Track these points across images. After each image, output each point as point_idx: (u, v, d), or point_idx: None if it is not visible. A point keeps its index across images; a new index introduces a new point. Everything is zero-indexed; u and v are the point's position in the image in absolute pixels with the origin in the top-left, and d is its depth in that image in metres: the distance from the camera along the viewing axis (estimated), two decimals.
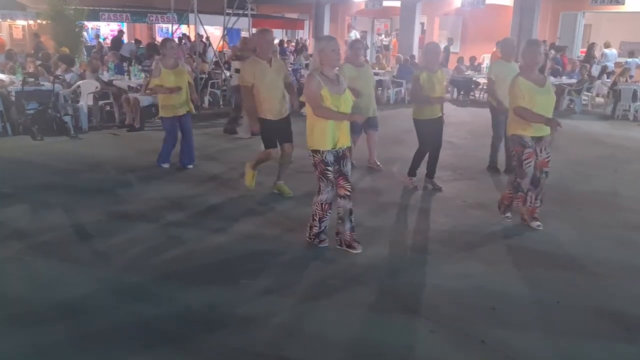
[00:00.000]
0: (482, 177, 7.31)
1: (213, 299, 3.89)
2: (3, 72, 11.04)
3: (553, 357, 3.35)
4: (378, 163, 7.57)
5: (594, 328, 3.67)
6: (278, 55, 10.81)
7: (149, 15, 20.60)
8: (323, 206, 4.64)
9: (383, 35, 25.94)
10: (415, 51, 18.87)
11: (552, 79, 14.25)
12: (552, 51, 16.89)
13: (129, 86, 10.15)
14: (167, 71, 6.77)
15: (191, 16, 13.73)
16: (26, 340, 3.35)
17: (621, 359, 3.38)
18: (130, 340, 3.38)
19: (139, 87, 10.03)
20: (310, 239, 4.80)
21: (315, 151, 4.53)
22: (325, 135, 4.46)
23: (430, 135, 6.38)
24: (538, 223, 5.39)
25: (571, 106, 13.69)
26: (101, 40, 20.48)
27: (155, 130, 9.14)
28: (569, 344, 3.47)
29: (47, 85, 9.54)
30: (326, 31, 23.56)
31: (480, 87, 15.87)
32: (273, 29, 23.16)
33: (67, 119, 9.11)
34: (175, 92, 6.79)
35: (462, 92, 15.17)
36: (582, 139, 10.13)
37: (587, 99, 14.07)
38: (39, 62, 11.35)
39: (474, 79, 15.27)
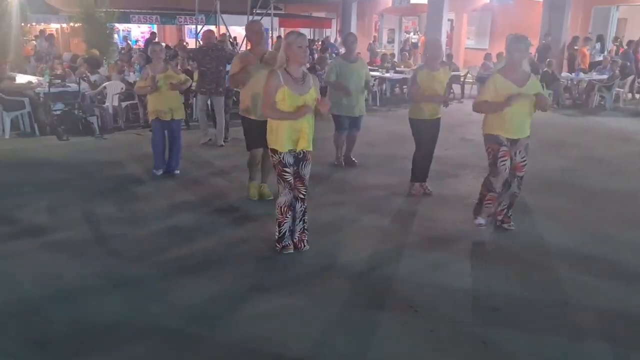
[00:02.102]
0: None
1: (212, 297, 3.94)
2: (34, 74, 11.39)
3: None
4: (353, 159, 7.52)
5: (603, 331, 3.56)
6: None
7: (177, 16, 20.91)
8: (282, 209, 4.48)
9: (412, 33, 25.73)
10: (443, 48, 18.65)
11: (580, 74, 13.93)
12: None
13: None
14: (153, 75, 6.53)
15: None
16: (28, 334, 3.45)
17: None
18: (129, 334, 3.45)
19: None
20: (276, 244, 4.61)
21: (274, 151, 4.40)
22: (281, 136, 4.32)
23: (426, 136, 6.06)
24: (510, 224, 5.23)
25: (602, 103, 13.34)
26: (130, 43, 20.88)
27: None
28: (571, 345, 3.40)
29: (73, 86, 9.78)
30: (353, 29, 23.49)
31: None
32: (301, 28, 23.37)
33: (92, 119, 9.33)
34: (153, 88, 6.51)
35: None
36: (610, 136, 9.85)
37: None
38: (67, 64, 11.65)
39: None
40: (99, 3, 16.55)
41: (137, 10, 20.38)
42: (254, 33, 5.61)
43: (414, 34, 25.31)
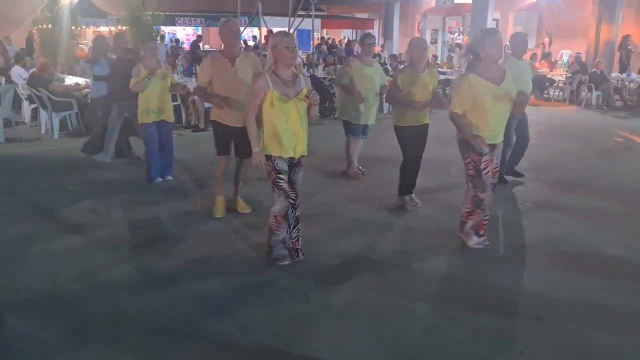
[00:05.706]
0: (545, 178, 6.97)
1: (243, 298, 3.95)
2: (83, 76, 11.74)
3: None
4: (356, 169, 6.95)
5: None
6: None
7: (221, 19, 21.20)
8: (277, 218, 4.29)
9: (457, 34, 25.30)
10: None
11: None
12: None
13: (194, 88, 10.43)
14: (146, 73, 6.28)
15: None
16: (67, 322, 3.56)
17: None
18: (162, 329, 3.49)
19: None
20: (268, 253, 4.46)
21: (267, 157, 4.21)
22: (279, 141, 4.15)
23: (412, 144, 5.57)
24: (483, 238, 4.76)
25: None
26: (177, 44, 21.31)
27: None
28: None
29: None
30: (396, 30, 23.35)
31: (555, 85, 15.20)
32: (343, 29, 23.32)
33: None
34: (143, 87, 6.22)
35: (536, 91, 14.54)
36: None
37: None
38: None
39: (547, 76, 14.61)
40: (146, 6, 16.96)
41: (183, 13, 20.80)
42: (231, 33, 5.26)
43: (458, 35, 24.90)
